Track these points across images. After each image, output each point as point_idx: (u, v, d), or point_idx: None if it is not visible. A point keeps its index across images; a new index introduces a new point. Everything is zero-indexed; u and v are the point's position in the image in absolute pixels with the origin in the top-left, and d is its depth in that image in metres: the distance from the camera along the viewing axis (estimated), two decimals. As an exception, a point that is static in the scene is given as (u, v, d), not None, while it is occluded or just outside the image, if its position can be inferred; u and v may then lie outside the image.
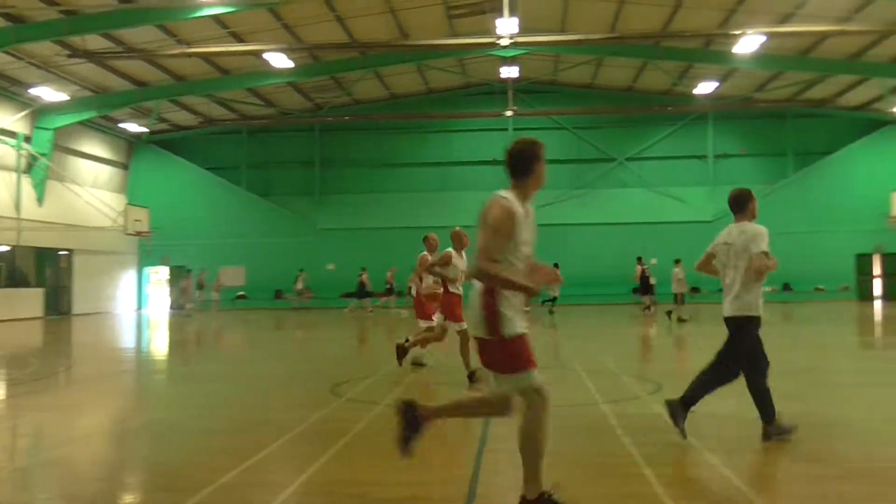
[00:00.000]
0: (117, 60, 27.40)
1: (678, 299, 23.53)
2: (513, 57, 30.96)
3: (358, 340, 19.66)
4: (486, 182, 37.72)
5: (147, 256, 37.93)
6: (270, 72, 29.46)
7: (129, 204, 35.39)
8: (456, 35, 28.53)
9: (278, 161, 38.92)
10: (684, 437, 6.54)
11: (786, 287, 34.62)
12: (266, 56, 26.35)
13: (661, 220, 36.13)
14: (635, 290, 28.39)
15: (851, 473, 5.68)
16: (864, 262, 35.63)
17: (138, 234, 35.02)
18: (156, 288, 39.34)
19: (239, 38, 26.79)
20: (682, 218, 36.05)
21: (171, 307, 37.71)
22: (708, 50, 29.58)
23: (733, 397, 9.31)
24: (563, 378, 11.19)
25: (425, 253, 11.84)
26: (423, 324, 11.84)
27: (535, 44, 27.79)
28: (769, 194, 35.70)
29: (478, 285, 4.67)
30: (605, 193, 37.18)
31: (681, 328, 20.80)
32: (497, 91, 35.23)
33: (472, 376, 10.15)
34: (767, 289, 34.28)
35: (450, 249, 10.73)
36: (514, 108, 33.10)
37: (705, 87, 33.25)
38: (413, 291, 12.58)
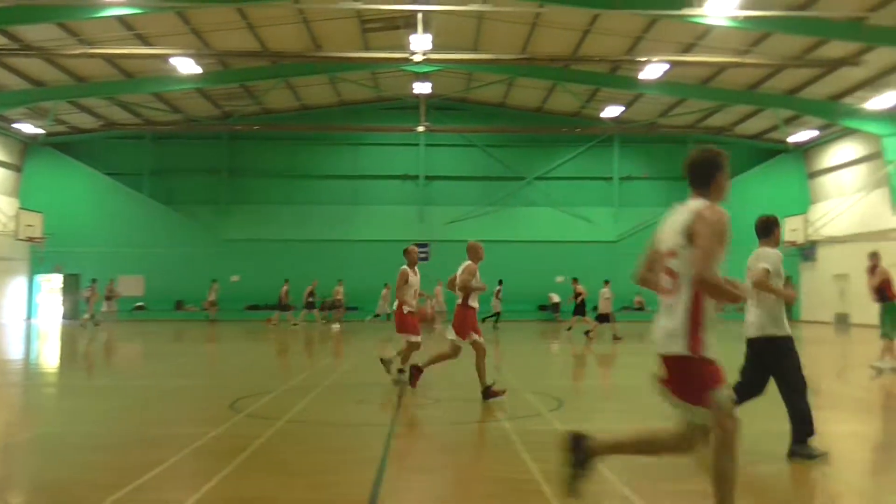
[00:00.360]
0: (13, 58, 26.22)
1: (609, 318, 23.42)
2: (426, 73, 31.15)
3: (264, 354, 19.26)
4: (396, 196, 37.87)
5: (39, 264, 36.22)
6: (177, 77, 28.72)
7: (21, 208, 33.81)
8: (369, 49, 28.54)
9: (183, 168, 37.89)
10: None
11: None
12: (173, 61, 25.71)
13: (568, 240, 36.88)
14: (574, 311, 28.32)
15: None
16: (757, 284, 37.13)
17: (30, 239, 33.48)
18: (48, 297, 37.60)
19: (145, 41, 26.05)
20: (588, 238, 36.89)
21: (66, 317, 36.11)
22: (615, 75, 30.46)
23: (636, 417, 9.54)
24: (465, 395, 11.23)
25: (405, 267, 11.71)
26: (410, 338, 11.64)
27: (448, 61, 28.04)
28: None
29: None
30: (514, 211, 37.71)
31: (614, 345, 21.22)
32: (410, 106, 35.38)
33: (487, 392, 9.91)
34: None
35: (471, 262, 10.44)
36: (427, 123, 33.29)
37: (612, 111, 34.22)
38: (394, 307, 12.13)
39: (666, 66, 26.32)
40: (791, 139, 35.50)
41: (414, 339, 11.60)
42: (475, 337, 10.04)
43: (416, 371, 10.77)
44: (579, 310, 25.24)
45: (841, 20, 22.33)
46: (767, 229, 7.08)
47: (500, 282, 31.66)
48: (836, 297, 33.88)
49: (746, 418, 4.57)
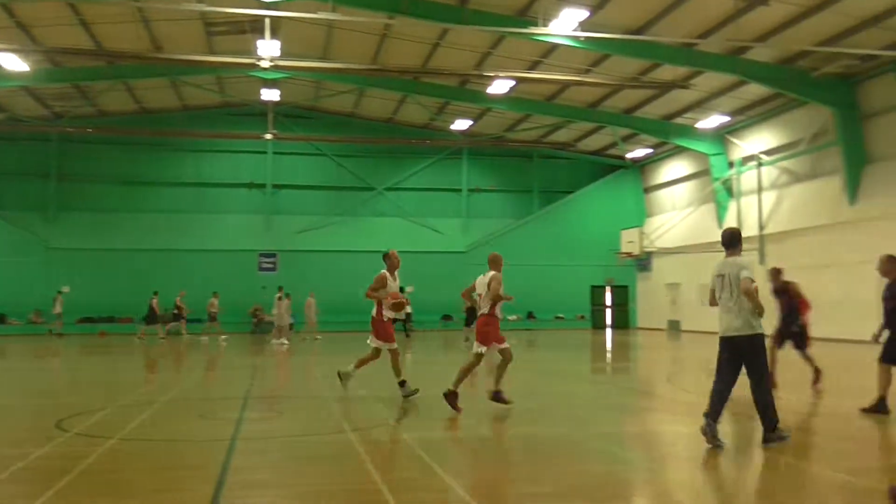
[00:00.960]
0: None
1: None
2: (274, 80, 30.54)
3: (100, 369, 18.10)
4: (243, 205, 36.85)
5: None
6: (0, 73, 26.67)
7: None
8: (214, 52, 27.61)
9: (7, 172, 35.18)
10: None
11: (529, 315, 36.84)
12: (-4, 56, 23.86)
13: (418, 250, 37.05)
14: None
15: (572, 489, 6.03)
16: (597, 293, 38.87)
17: None
18: None
19: (-36, 34, 24.06)
20: (438, 248, 37.29)
21: None
22: (464, 89, 31.02)
23: (485, 422, 9.65)
24: (311, 406, 11.01)
25: (384, 271, 11.25)
26: (385, 346, 11.19)
27: (297, 68, 27.60)
28: (516, 229, 38.00)
29: None
30: (363, 221, 37.56)
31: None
32: (257, 113, 34.56)
33: (496, 396, 9.96)
34: (512, 317, 36.37)
35: (496, 273, 10.17)
36: (275, 131, 32.59)
37: (461, 124, 34.88)
38: (373, 312, 11.46)
39: (512, 82, 27.08)
40: (629, 156, 37.45)
41: (391, 346, 11.20)
42: (503, 345, 10.04)
43: (453, 395, 9.83)
44: (470, 321, 25.87)
45: (673, 45, 23.77)
46: (735, 240, 7.84)
47: (402, 289, 31.31)
48: (669, 304, 35.93)
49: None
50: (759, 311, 7.44)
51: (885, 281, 9.72)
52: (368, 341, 11.29)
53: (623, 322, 38.87)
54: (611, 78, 27.08)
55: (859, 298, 22.73)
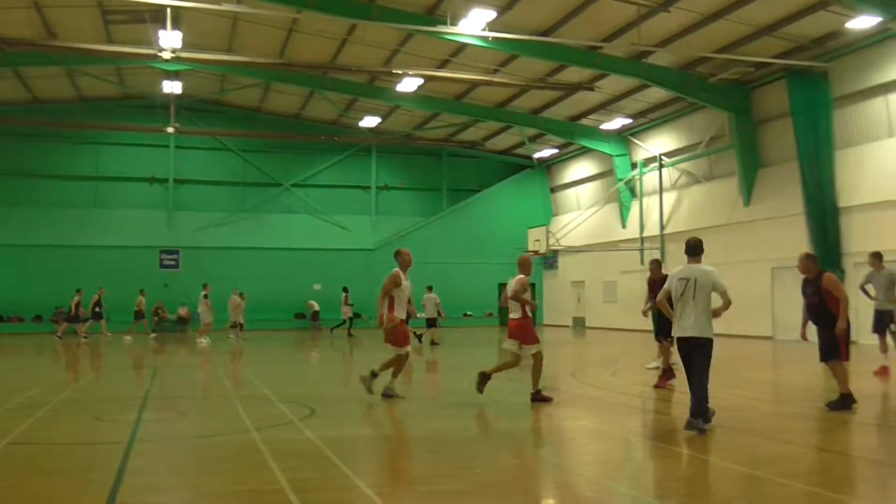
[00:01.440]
0: None
1: (435, 323, 24.52)
2: (176, 72, 29.63)
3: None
4: (143, 200, 35.67)
5: None
6: None
7: None
8: (113, 42, 26.56)
9: None
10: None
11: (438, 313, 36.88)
12: None
13: (326, 247, 36.74)
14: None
15: (475, 485, 6.05)
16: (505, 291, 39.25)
17: None
18: None
19: None
20: (347, 245, 36.99)
21: None
22: (372, 86, 30.84)
23: (391, 420, 9.59)
24: (213, 407, 10.74)
25: (397, 269, 10.74)
26: (399, 350, 10.69)
27: (200, 61, 26.81)
28: (424, 226, 38.05)
29: None
30: (270, 218, 36.88)
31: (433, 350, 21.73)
32: (159, 105, 33.41)
33: (536, 396, 10.20)
34: (422, 315, 36.38)
35: (523, 276, 10.54)
36: (177, 124, 31.63)
37: (370, 121, 34.66)
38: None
39: (421, 81, 27.08)
40: (536, 155, 38.02)
41: (403, 350, 10.70)
42: (537, 348, 10.25)
43: (485, 378, 10.55)
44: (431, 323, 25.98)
45: (578, 48, 24.23)
46: (699, 249, 8.55)
47: (346, 289, 30.93)
48: (574, 302, 36.67)
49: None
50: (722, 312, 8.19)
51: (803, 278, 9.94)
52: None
53: (529, 319, 39.43)
54: (518, 78, 27.42)
55: (752, 296, 23.72)
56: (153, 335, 28.08)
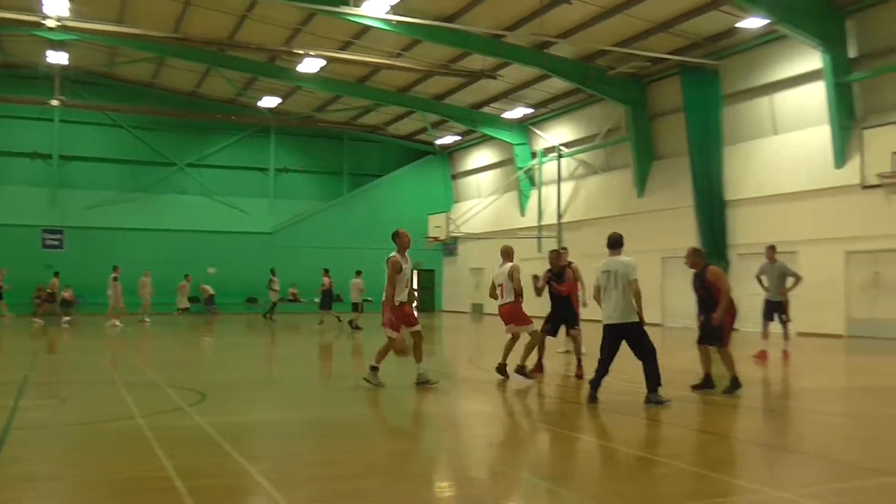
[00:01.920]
0: None
1: (358, 308, 24.66)
2: (61, 42, 28.09)
3: None
4: (25, 177, 33.85)
5: None
6: None
7: None
8: (-7, 6, 24.99)
9: None
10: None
11: (337, 298, 36.54)
12: None
13: (222, 230, 35.77)
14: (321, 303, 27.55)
15: (366, 468, 6.00)
16: (404, 277, 39.21)
17: None
18: None
19: None
20: (244, 228, 36.13)
21: None
22: (272, 65, 30.12)
23: (283, 406, 9.41)
24: (97, 393, 10.29)
25: (395, 254, 10.23)
26: (388, 332, 10.19)
27: (88, 31, 25.47)
28: (324, 211, 37.58)
29: None
30: (163, 198, 35.58)
31: (353, 335, 21.51)
32: (42, 76, 31.58)
33: (520, 369, 10.90)
34: (318, 300, 35.99)
35: (514, 264, 11.57)
36: (62, 97, 30.02)
37: (269, 101, 33.84)
38: (382, 299, 10.32)
39: (323, 62, 26.63)
40: (438, 142, 38.06)
41: (415, 328, 10.33)
42: (532, 328, 11.26)
43: (537, 369, 11.43)
44: (326, 302, 25.95)
45: (482, 35, 24.33)
46: (620, 243, 9.32)
47: (273, 271, 30.02)
48: (473, 288, 36.99)
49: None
50: (639, 303, 8.94)
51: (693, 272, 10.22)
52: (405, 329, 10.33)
53: (429, 305, 39.57)
54: (421, 64, 27.32)
55: (643, 285, 24.38)
56: (37, 320, 26.65)
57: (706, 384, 9.91)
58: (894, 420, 8.01)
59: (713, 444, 7.30)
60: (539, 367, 11.67)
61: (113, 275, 25.39)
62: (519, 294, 11.25)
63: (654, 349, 8.95)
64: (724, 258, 22.57)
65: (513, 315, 11.25)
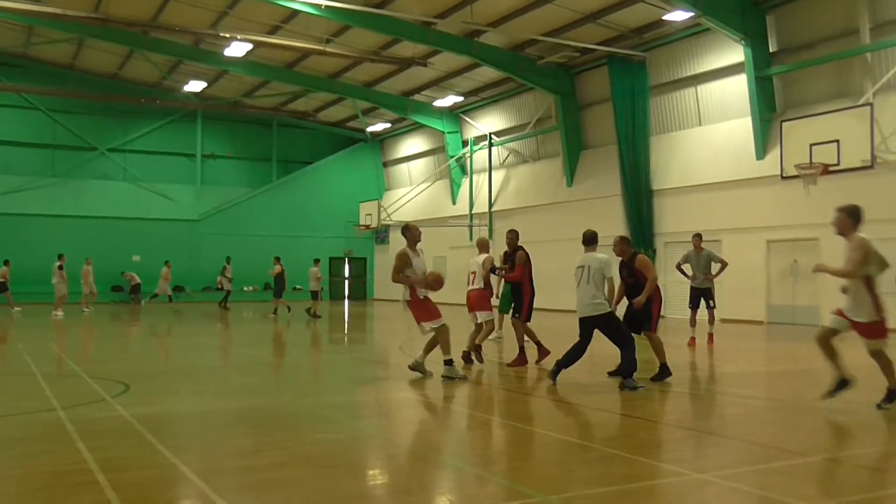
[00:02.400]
0: None
1: (317, 296, 24.97)
2: (-25, 20, 26.93)
3: None
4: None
5: None
6: None
7: None
8: None
9: None
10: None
11: (266, 287, 36.07)
12: None
13: (147, 217, 34.86)
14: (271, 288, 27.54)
15: (294, 458, 5.95)
16: (336, 265, 38.96)
17: None
18: None
19: None
20: (169, 215, 35.29)
21: None
22: (198, 48, 29.39)
23: (210, 396, 9.24)
24: (14, 384, 9.94)
25: (405, 247, 9.87)
26: (434, 323, 9.94)
27: (2, 9, 24.41)
28: (253, 198, 36.99)
29: None
30: (84, 184, 34.45)
31: (313, 324, 21.47)
32: (-46, 56, 30.28)
33: (467, 355, 11.45)
34: (248, 288, 35.49)
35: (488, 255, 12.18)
36: (-25, 78, 28.80)
37: (195, 86, 33.05)
38: (406, 296, 9.97)
39: (250, 46, 26.14)
40: (369, 129, 37.84)
41: (439, 323, 9.92)
42: (490, 315, 11.83)
43: (469, 353, 11.58)
44: (278, 290, 25.93)
45: (412, 22, 24.22)
46: (594, 239, 9.65)
47: (228, 259, 29.36)
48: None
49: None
50: (613, 298, 9.36)
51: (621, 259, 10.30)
52: (425, 327, 10.03)
53: (360, 293, 39.39)
54: (351, 50, 27.05)
55: (570, 273, 24.80)
56: None
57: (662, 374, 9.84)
58: (810, 403, 8.32)
59: (640, 428, 7.46)
60: (522, 357, 11.39)
61: (58, 263, 24.79)
62: (488, 283, 11.96)
63: (630, 337, 9.31)
64: (652, 246, 23.08)
65: (477, 301, 11.81)
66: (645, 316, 9.91)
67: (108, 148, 35.24)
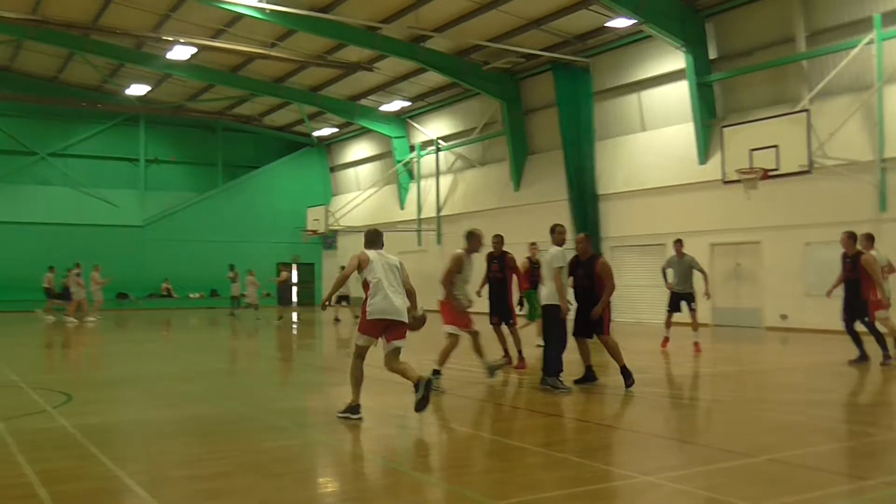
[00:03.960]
0: None
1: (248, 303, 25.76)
2: None
3: None
4: None
5: None
6: None
7: None
8: None
9: None
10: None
11: (213, 293, 35.62)
12: None
13: (89, 223, 34.08)
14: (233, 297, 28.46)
15: (240, 466, 5.92)
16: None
17: None
18: None
19: None
20: (112, 221, 34.54)
21: None
22: (140, 51, 28.88)
23: (154, 405, 9.11)
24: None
25: (461, 252, 9.86)
26: (448, 329, 9.81)
27: (-65, 10, 23.74)
28: (198, 203, 36.48)
29: None
30: (22, 190, 33.57)
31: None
32: None
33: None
34: (195, 295, 34.97)
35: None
36: None
37: (138, 89, 32.49)
38: (443, 297, 9.83)
39: (194, 49, 25.81)
40: (315, 134, 37.60)
41: (455, 331, 9.75)
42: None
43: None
44: (284, 297, 26.20)
45: (357, 27, 24.17)
46: (562, 236, 9.66)
47: (232, 266, 28.95)
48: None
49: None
50: (560, 290, 9.36)
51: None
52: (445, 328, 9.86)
53: (308, 299, 39.10)
54: (297, 54, 26.89)
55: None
56: None
57: (588, 377, 9.78)
58: (753, 404, 8.53)
59: (587, 432, 7.57)
60: (510, 359, 11.23)
61: (75, 270, 25.20)
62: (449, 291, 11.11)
63: (560, 339, 9.43)
64: (598, 251, 23.40)
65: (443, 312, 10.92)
66: (596, 320, 9.61)
67: (49, 152, 34.44)
